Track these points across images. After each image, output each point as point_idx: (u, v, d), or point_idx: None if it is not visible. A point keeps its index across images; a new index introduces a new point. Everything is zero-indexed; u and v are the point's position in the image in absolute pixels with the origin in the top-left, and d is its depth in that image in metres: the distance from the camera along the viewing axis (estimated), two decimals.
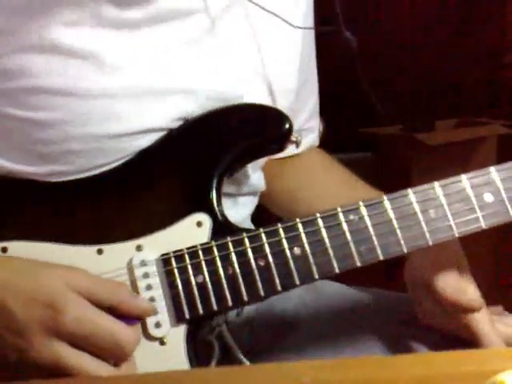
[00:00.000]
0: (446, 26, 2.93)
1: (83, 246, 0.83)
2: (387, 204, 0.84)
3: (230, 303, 0.82)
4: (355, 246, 0.83)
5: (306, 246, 0.83)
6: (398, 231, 0.83)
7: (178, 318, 0.81)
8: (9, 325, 0.75)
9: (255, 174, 0.98)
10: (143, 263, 0.82)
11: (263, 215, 1.06)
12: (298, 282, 0.82)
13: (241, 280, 0.82)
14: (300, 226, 0.83)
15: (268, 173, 1.02)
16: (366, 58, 1.14)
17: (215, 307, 0.81)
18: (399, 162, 2.53)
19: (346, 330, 0.96)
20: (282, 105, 0.95)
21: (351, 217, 0.83)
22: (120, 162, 0.86)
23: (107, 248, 0.83)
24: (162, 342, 0.81)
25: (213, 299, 0.81)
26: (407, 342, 0.93)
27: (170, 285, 0.82)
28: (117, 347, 0.77)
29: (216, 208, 0.85)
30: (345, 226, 0.83)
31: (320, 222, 0.83)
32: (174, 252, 0.83)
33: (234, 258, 0.82)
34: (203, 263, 0.82)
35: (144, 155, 0.86)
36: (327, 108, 1.15)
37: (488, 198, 0.85)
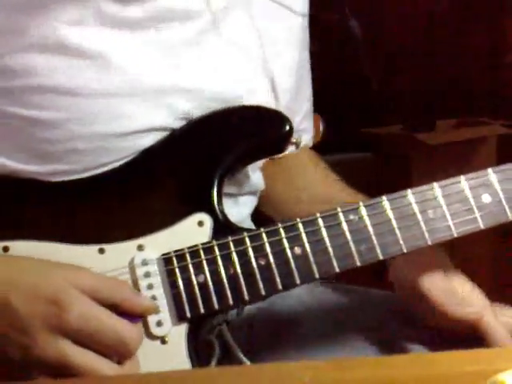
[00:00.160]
0: (446, 25, 2.93)
1: (85, 245, 0.83)
2: (387, 204, 0.85)
3: (231, 302, 0.82)
4: (355, 246, 0.83)
5: (307, 245, 0.83)
6: (398, 231, 0.84)
7: (179, 316, 0.82)
8: (12, 322, 0.75)
9: (255, 174, 0.99)
10: (144, 262, 0.83)
11: (263, 215, 1.06)
12: (298, 282, 0.83)
13: (242, 279, 0.82)
14: (300, 226, 0.84)
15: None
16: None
17: (216, 306, 0.82)
18: (399, 162, 2.54)
19: (345, 329, 0.96)
20: (281, 104, 0.95)
21: (351, 217, 0.84)
22: (122, 162, 0.86)
23: (109, 247, 0.83)
24: (163, 340, 0.81)
25: (214, 298, 0.82)
26: (404, 341, 0.93)
27: (172, 284, 0.82)
28: (121, 344, 0.77)
29: (217, 208, 0.85)
30: (345, 226, 0.84)
31: (320, 221, 0.84)
32: (176, 251, 0.83)
33: (235, 257, 0.83)
34: (204, 262, 0.83)
35: (146, 155, 0.87)
36: (327, 108, 1.15)
37: (486, 198, 0.86)
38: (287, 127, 0.89)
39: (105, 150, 0.85)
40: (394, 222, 0.84)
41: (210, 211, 0.85)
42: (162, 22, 0.87)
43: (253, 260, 0.83)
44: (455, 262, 0.92)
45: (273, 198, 1.07)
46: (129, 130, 0.86)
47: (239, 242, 0.83)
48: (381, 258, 0.83)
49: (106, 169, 0.86)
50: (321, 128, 1.24)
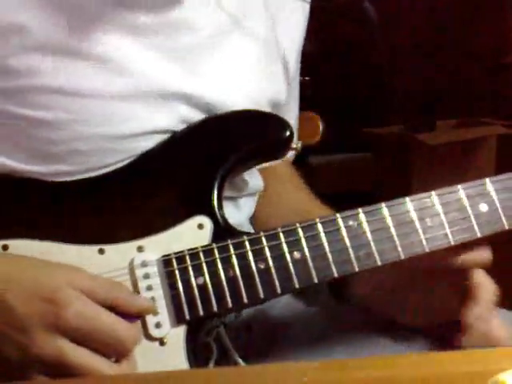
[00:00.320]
0: (446, 26, 2.93)
1: (85, 245, 0.83)
2: (385, 211, 0.85)
3: (230, 305, 0.82)
4: (354, 252, 0.84)
5: (306, 250, 0.83)
6: (396, 238, 0.84)
7: (178, 318, 0.82)
8: (10, 321, 0.75)
9: (253, 176, 0.99)
10: (144, 264, 0.83)
11: None
12: (297, 286, 0.83)
13: (241, 282, 0.82)
14: (300, 231, 0.84)
15: None
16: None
17: (215, 309, 0.82)
18: (399, 162, 2.54)
19: (344, 331, 0.96)
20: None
21: (350, 222, 0.84)
22: (124, 163, 0.87)
23: (108, 248, 0.84)
24: (161, 342, 0.82)
25: (213, 301, 0.82)
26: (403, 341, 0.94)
27: (171, 286, 0.82)
28: (118, 343, 0.77)
29: (217, 211, 0.86)
30: (344, 232, 0.84)
31: (320, 227, 0.84)
32: (175, 253, 0.83)
33: (234, 260, 0.83)
34: (204, 265, 0.83)
35: (147, 157, 0.87)
36: (327, 108, 1.16)
37: (483, 207, 0.86)
38: (288, 132, 0.90)
39: (108, 151, 0.86)
40: (392, 229, 0.85)
41: (211, 214, 0.86)
42: (169, 28, 0.88)
43: (252, 263, 0.83)
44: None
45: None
46: (133, 132, 0.86)
47: (239, 245, 0.83)
48: (379, 264, 0.84)
49: (107, 170, 0.86)
50: (321, 128, 1.24)
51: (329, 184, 2.47)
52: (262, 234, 0.84)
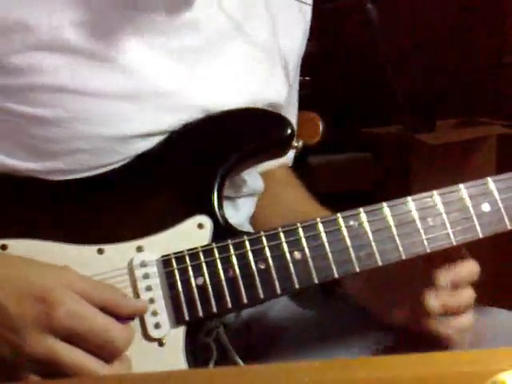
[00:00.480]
0: (446, 25, 2.93)
1: (84, 245, 0.83)
2: (387, 211, 0.85)
3: (229, 305, 0.82)
4: (355, 252, 0.83)
5: (306, 250, 0.83)
6: (397, 238, 0.84)
7: (177, 319, 0.82)
8: (2, 320, 0.75)
9: (252, 177, 0.99)
10: (143, 264, 0.83)
11: None
12: (297, 286, 0.83)
13: (241, 282, 0.82)
14: (300, 231, 0.84)
15: None
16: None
17: (215, 309, 0.82)
18: (399, 162, 2.54)
19: (344, 332, 0.96)
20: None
21: (351, 222, 0.84)
22: (123, 163, 0.86)
23: (108, 248, 0.83)
24: (160, 343, 0.81)
25: (213, 301, 0.82)
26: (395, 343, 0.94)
27: (170, 286, 0.82)
28: (110, 343, 0.77)
29: (217, 211, 0.86)
30: (345, 232, 0.84)
31: (320, 226, 0.84)
32: (175, 253, 0.83)
33: (234, 260, 0.83)
34: (204, 265, 0.83)
35: (147, 156, 0.87)
36: (327, 108, 1.16)
37: (485, 207, 0.86)
38: (289, 130, 0.90)
39: (109, 151, 0.85)
40: (393, 229, 0.84)
41: (211, 214, 0.85)
42: (176, 28, 0.88)
43: (252, 263, 0.83)
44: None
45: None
46: (134, 132, 0.86)
47: (239, 245, 0.83)
48: (380, 264, 0.84)
49: (106, 170, 0.86)
50: (321, 128, 1.24)
51: (329, 184, 2.47)
52: (262, 233, 0.84)
